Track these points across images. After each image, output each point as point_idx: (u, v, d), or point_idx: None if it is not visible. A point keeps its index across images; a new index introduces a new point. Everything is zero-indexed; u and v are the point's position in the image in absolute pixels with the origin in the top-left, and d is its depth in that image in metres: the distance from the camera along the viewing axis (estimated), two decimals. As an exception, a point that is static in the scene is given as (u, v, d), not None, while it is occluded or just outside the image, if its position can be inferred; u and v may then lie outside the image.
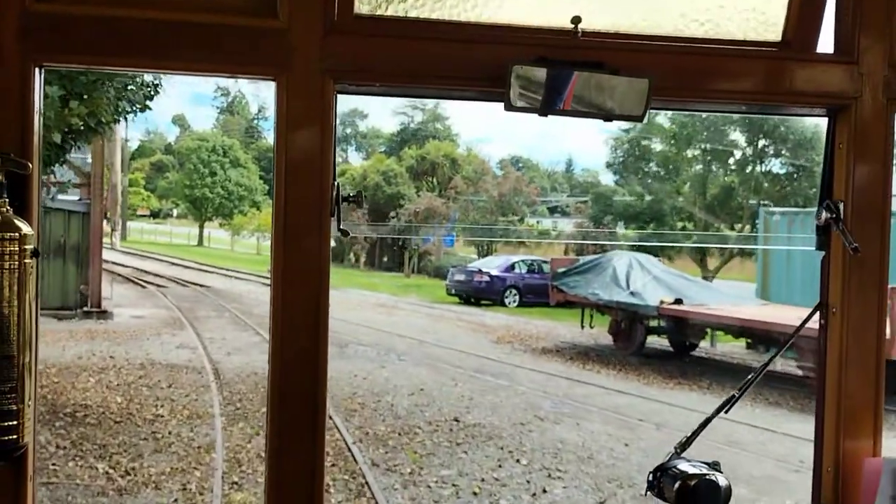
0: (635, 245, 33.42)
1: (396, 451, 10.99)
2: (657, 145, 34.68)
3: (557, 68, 2.16)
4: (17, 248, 1.92)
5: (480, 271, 31.40)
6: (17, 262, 1.92)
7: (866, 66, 2.40)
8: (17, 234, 1.92)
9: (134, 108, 11.46)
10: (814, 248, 2.51)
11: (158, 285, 32.26)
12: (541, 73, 2.15)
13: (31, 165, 2.00)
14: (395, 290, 36.94)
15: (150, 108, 11.54)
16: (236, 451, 10.71)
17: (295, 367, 2.20)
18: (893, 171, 2.47)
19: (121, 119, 11.78)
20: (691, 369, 17.93)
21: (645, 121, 2.31)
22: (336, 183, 2.20)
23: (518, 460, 10.76)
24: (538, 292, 30.62)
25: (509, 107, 2.16)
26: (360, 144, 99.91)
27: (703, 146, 32.65)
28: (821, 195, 2.49)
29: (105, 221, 25.56)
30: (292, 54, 2.15)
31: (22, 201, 2.01)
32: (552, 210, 55.56)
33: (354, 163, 67.25)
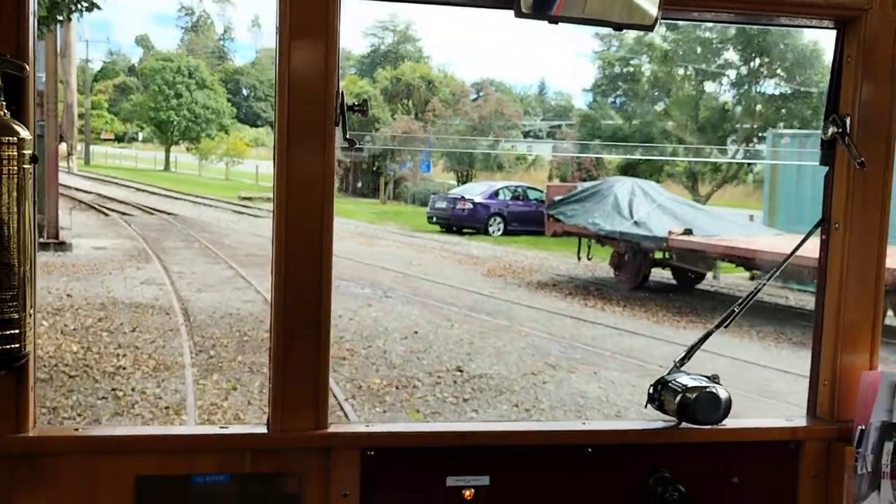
0: (623, 169, 31.91)
1: (395, 410, 9.52)
2: (647, 66, 32.89)
3: None
4: (15, 153, 1.87)
5: (463, 198, 29.78)
6: (16, 168, 1.87)
7: None
8: (15, 138, 1.88)
9: (80, 5, 9.50)
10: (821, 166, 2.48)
11: (122, 213, 30.32)
12: None
13: (27, 67, 1.97)
14: (372, 217, 35.32)
15: (98, 8, 9.62)
16: (210, 411, 9.19)
17: (300, 277, 2.17)
18: None
19: (63, 16, 9.82)
20: (700, 304, 16.58)
21: (656, 30, 2.23)
22: (341, 92, 2.16)
23: (539, 421, 9.35)
24: (523, 220, 29.16)
25: (519, 13, 2.08)
26: None
27: (694, 66, 30.91)
28: (826, 109, 2.45)
29: (62, 144, 23.54)
30: None
31: (18, 105, 1.97)
32: (525, 134, 53.69)
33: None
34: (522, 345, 12.62)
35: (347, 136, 2.18)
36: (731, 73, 30.96)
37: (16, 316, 1.89)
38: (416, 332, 13.03)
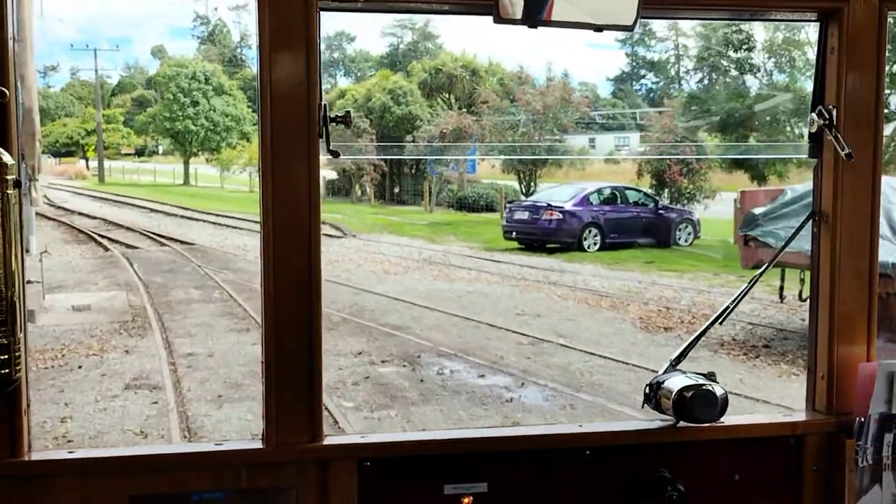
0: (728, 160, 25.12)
1: None
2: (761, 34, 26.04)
3: None
4: None
5: (550, 206, 23.07)
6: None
7: None
8: None
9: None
10: None
11: (127, 245, 23.87)
12: None
13: (7, 93, 1.92)
14: (425, 231, 28.83)
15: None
16: None
17: (290, 290, 2.14)
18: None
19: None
20: None
21: (636, 30, 2.12)
22: (323, 103, 2.12)
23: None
24: (624, 230, 22.59)
25: (498, 19, 2.04)
26: (349, 69, 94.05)
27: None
28: (812, 102, 2.42)
29: (20, 168, 17.01)
30: None
31: (1, 131, 1.94)
32: (587, 126, 46.82)
33: (348, 85, 58.23)
34: None
35: (331, 148, 2.14)
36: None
37: (4, 342, 1.88)
38: None
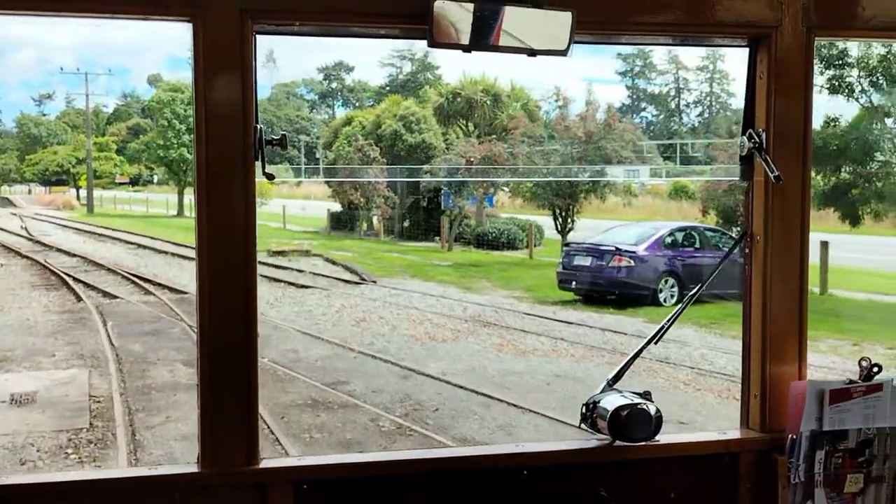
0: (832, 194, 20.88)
1: None
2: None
3: (485, 3, 2.05)
4: None
5: (619, 251, 18.73)
6: None
7: None
8: None
9: None
10: None
11: (105, 293, 19.50)
12: (467, 8, 2.05)
13: None
14: (450, 275, 24.76)
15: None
16: None
17: (225, 312, 2.11)
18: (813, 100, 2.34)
19: None
20: None
21: (569, 55, 2.14)
22: (259, 126, 2.12)
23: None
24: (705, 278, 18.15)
25: (432, 43, 2.05)
26: (347, 99, 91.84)
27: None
28: (744, 125, 2.45)
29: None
30: None
31: None
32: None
33: (353, 112, 54.11)
34: None
35: (265, 171, 2.13)
36: None
37: None
38: None
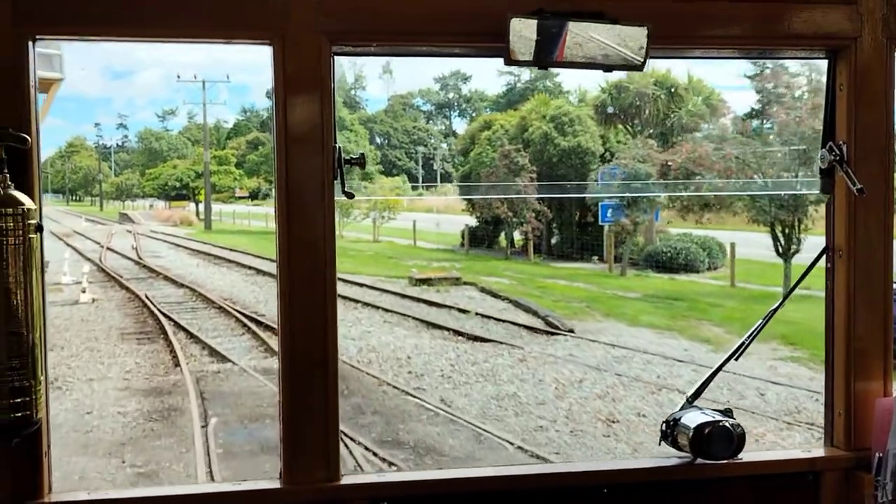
0: None
1: None
2: None
3: (551, 19, 2.05)
4: (20, 224, 1.83)
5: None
6: (21, 238, 1.82)
7: (865, 5, 2.28)
8: (20, 208, 1.84)
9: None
10: None
11: (212, 351, 14.11)
12: (543, 25, 2.04)
13: (29, 139, 1.92)
14: (654, 313, 18.73)
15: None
16: None
17: (306, 331, 2.11)
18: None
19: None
20: None
21: (646, 69, 2.09)
22: (337, 146, 2.12)
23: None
24: None
25: (509, 61, 2.05)
26: (464, 110, 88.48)
27: None
28: (823, 138, 2.37)
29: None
30: (287, 17, 2.05)
31: (23, 176, 1.93)
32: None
33: (493, 115, 48.28)
34: None
35: (345, 189, 2.11)
36: None
37: (26, 384, 1.83)
38: None
